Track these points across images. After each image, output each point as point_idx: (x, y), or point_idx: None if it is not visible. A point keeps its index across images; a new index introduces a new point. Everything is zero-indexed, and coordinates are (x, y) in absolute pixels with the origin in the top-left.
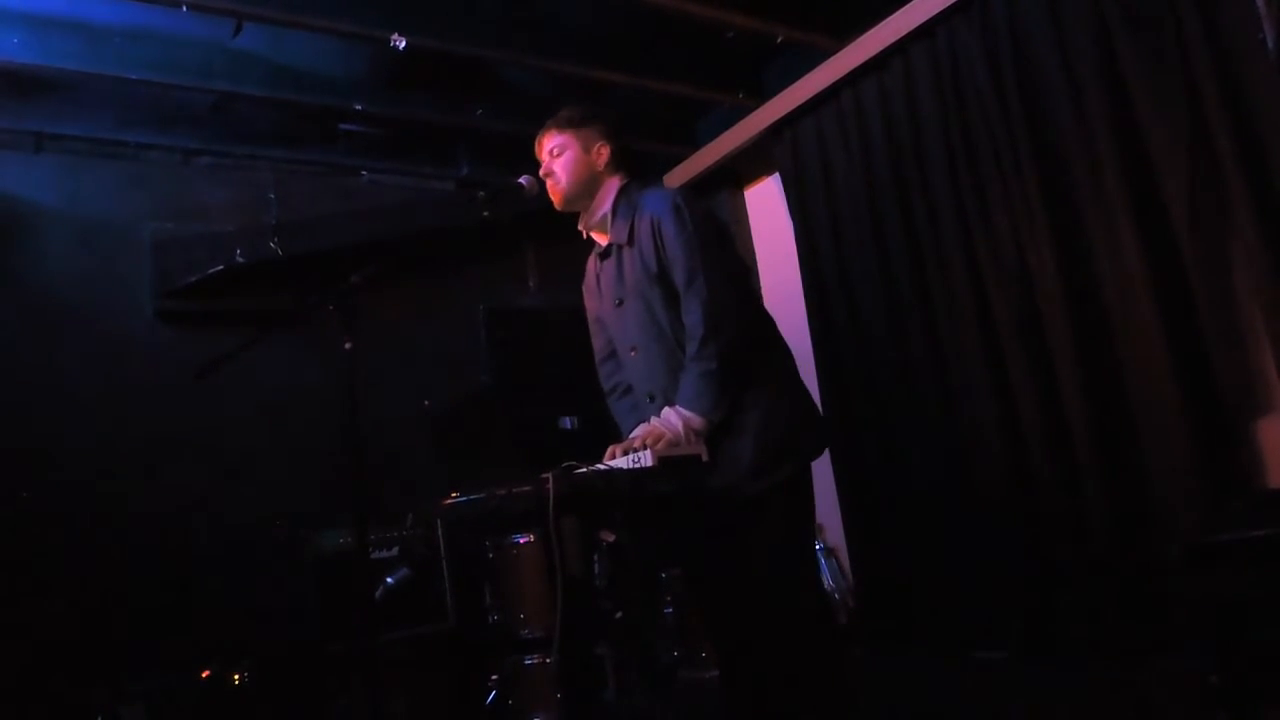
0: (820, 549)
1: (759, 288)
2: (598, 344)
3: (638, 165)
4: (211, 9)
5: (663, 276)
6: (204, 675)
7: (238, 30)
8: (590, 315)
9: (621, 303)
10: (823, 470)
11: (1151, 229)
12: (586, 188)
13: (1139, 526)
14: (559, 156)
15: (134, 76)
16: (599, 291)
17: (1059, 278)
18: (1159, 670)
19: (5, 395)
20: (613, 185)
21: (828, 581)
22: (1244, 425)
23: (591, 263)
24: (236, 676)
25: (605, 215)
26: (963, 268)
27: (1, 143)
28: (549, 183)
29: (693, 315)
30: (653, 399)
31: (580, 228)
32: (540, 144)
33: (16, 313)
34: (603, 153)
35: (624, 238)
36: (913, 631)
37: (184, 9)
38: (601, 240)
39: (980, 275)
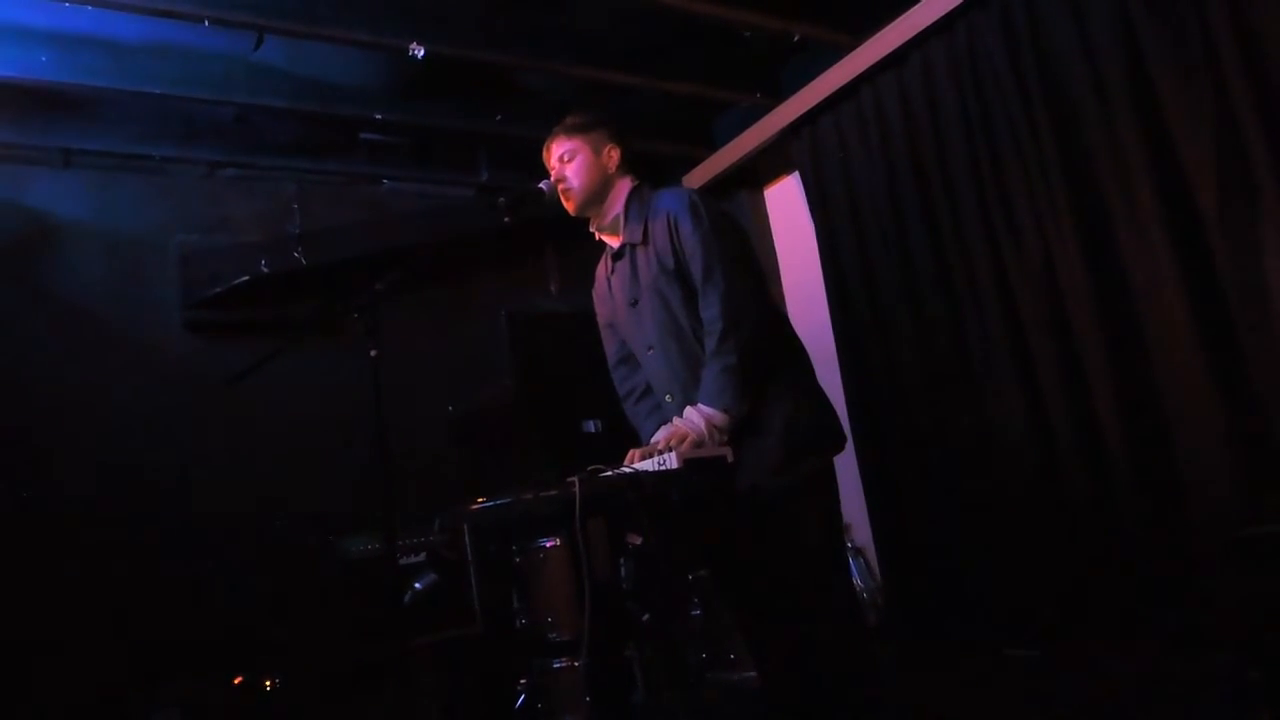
0: (848, 548)
1: (780, 294)
2: (610, 349)
3: (646, 166)
4: (233, 23)
5: (680, 273)
6: (236, 681)
7: (259, 43)
8: (601, 321)
9: (636, 302)
10: (849, 468)
11: (1179, 218)
12: (599, 191)
13: (1172, 520)
14: (570, 162)
15: (158, 91)
16: (610, 296)
17: (1085, 270)
18: (1196, 666)
19: (37, 405)
20: (624, 187)
21: (856, 581)
22: (1278, 415)
23: (601, 268)
24: (268, 682)
25: (618, 216)
26: (987, 262)
27: (31, 159)
28: (561, 188)
29: (711, 309)
30: (671, 398)
31: (592, 229)
32: (549, 151)
33: (47, 325)
34: (613, 155)
35: (638, 237)
36: (942, 630)
37: (206, 24)
38: (613, 242)
39: (1005, 269)
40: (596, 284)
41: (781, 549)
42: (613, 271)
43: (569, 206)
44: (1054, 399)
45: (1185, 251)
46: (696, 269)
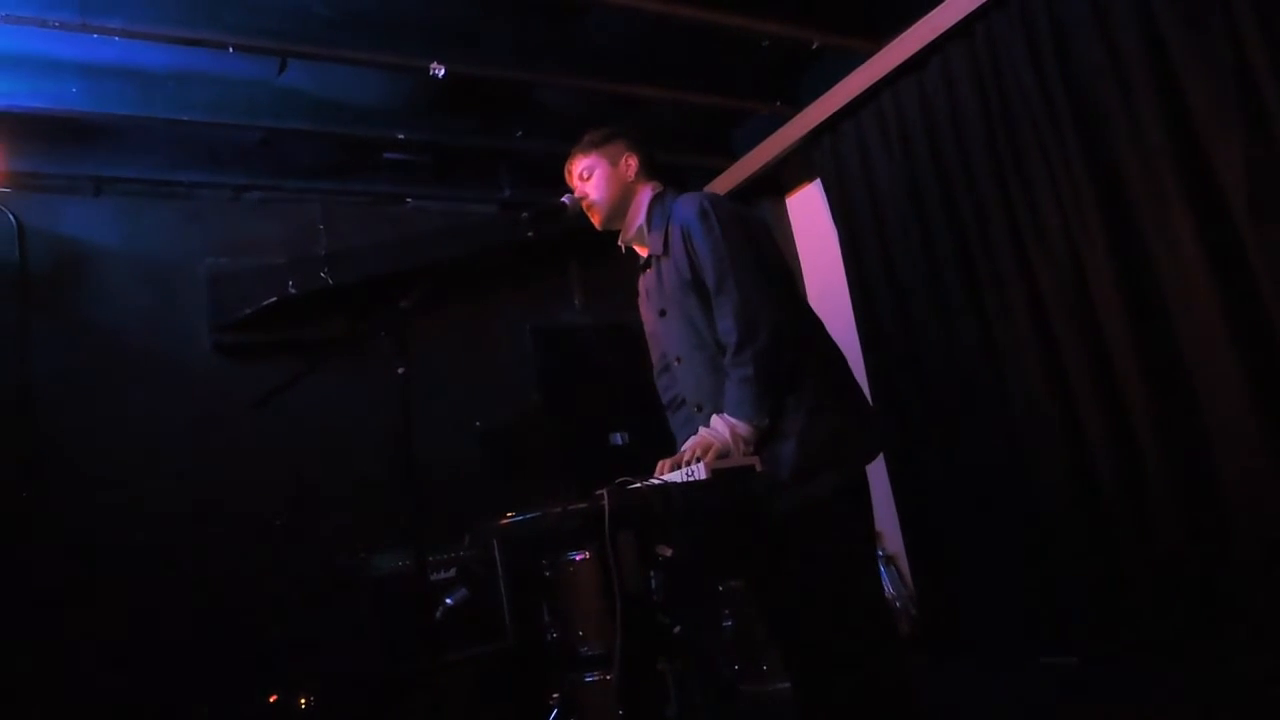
0: (880, 557)
1: (803, 288)
2: (654, 357)
3: (668, 173)
4: (257, 49)
5: (697, 284)
6: (271, 700)
7: (283, 68)
8: (646, 330)
9: (664, 313)
10: (879, 477)
11: (1209, 219)
12: (621, 201)
13: (1208, 526)
14: (589, 179)
15: (185, 118)
16: (648, 304)
17: (1114, 273)
18: (1233, 674)
19: (71, 428)
20: (645, 195)
21: (888, 590)
22: None
23: (641, 277)
24: (303, 700)
25: (641, 227)
26: (1014, 266)
27: (64, 188)
28: (585, 205)
29: (725, 321)
30: (700, 409)
31: (619, 243)
32: (570, 171)
33: (81, 349)
34: (630, 163)
35: (659, 248)
36: (977, 639)
37: (230, 50)
38: (642, 252)
39: (1033, 273)
40: (640, 293)
41: (802, 561)
42: (646, 281)
43: (595, 222)
44: (1086, 403)
45: (1217, 251)
46: (709, 280)
